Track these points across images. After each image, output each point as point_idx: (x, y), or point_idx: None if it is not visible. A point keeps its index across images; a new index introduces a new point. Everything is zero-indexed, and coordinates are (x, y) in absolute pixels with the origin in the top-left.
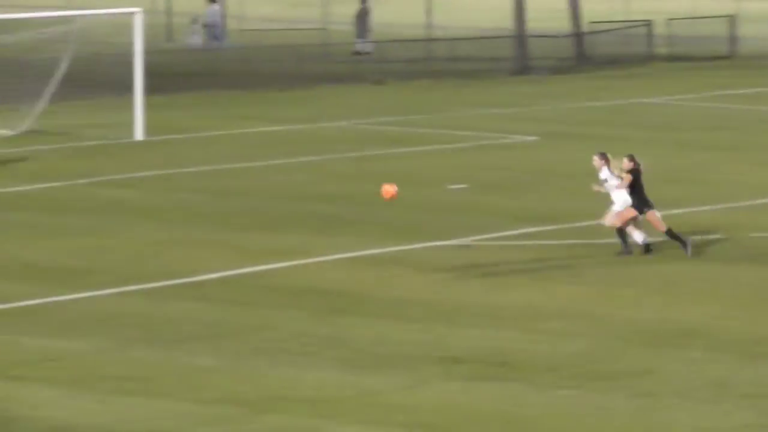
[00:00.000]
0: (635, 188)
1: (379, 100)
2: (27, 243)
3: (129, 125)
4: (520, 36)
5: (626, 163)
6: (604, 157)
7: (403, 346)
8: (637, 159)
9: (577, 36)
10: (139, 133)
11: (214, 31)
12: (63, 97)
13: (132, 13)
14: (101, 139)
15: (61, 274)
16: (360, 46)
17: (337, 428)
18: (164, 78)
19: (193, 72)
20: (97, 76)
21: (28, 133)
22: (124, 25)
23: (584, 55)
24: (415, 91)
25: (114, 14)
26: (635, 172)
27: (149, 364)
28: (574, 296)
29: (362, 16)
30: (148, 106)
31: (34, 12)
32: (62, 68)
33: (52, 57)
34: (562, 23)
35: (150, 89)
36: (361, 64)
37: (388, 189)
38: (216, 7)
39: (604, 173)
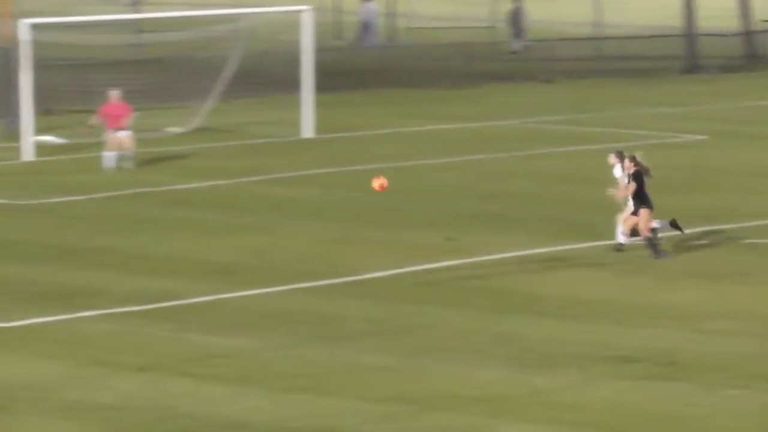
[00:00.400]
0: (637, 189)
1: (547, 98)
2: (196, 240)
3: (297, 123)
4: (690, 35)
5: (628, 165)
6: (620, 156)
7: (572, 346)
8: (640, 159)
9: (748, 35)
10: (307, 131)
11: (367, 29)
12: (232, 95)
13: (301, 11)
14: (269, 137)
15: (229, 272)
16: (515, 45)
17: (505, 427)
18: (332, 76)
19: (361, 70)
20: (265, 74)
21: (198, 130)
22: (292, 22)
23: (755, 54)
24: (583, 90)
25: (283, 12)
26: (638, 175)
27: (318, 362)
28: (743, 296)
29: (516, 16)
30: (317, 104)
31: (204, 10)
32: (231, 66)
33: (222, 55)
34: (731, 22)
35: (318, 87)
36: (529, 63)
37: (379, 183)
38: (371, 6)
39: (617, 171)
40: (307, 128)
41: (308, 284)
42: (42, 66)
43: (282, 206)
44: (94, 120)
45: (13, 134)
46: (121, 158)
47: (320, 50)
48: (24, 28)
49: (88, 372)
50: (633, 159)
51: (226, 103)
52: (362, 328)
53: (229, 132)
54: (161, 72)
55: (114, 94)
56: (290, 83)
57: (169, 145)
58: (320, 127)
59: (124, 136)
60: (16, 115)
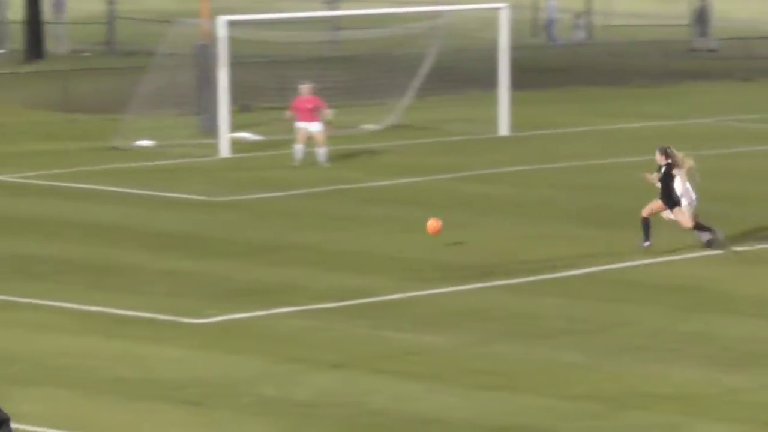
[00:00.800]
0: (667, 183)
1: (745, 96)
2: (391, 237)
3: (493, 121)
4: None
5: (659, 158)
6: (664, 152)
7: (766, 344)
8: (672, 152)
9: None
10: (503, 129)
11: (549, 27)
12: (428, 92)
13: (498, 8)
14: (466, 134)
15: (426, 268)
16: (700, 43)
17: (701, 426)
18: (528, 73)
19: (557, 67)
20: (461, 71)
21: (393, 127)
22: (490, 20)
23: None
24: None
25: (480, 9)
26: (667, 168)
27: (512, 359)
28: None
29: (701, 14)
30: (513, 102)
31: (401, 7)
32: (428, 63)
33: (418, 52)
34: None
35: (514, 84)
36: (727, 61)
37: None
38: (553, 2)
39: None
40: (503, 126)
41: (503, 282)
42: (239, 63)
43: (477, 203)
44: (287, 114)
45: (210, 131)
46: (314, 153)
47: (516, 47)
48: (221, 25)
49: (283, 368)
50: (664, 152)
51: (421, 101)
52: (557, 326)
53: (424, 129)
54: (358, 69)
55: (305, 88)
56: (486, 81)
57: (365, 142)
58: (516, 124)
59: (315, 130)
60: (213, 112)
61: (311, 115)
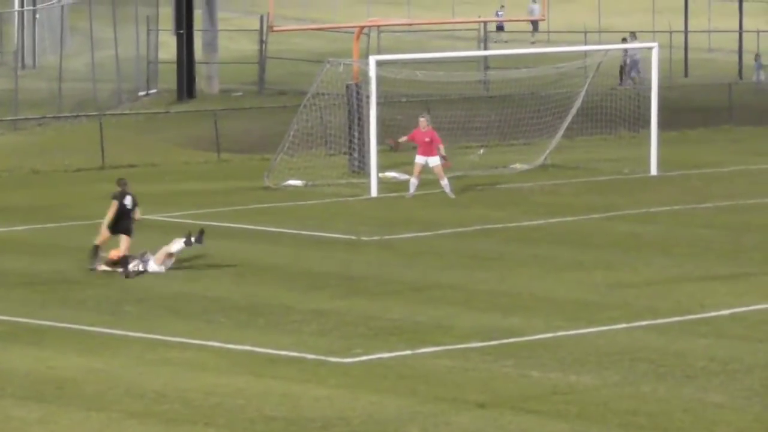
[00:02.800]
0: None
1: None
2: (541, 276)
3: (645, 160)
4: None
5: None
6: None
7: None
8: None
9: None
10: (654, 168)
11: (631, 68)
12: (578, 132)
13: (649, 48)
14: (616, 174)
15: (573, 308)
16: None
17: None
18: (678, 113)
19: (707, 107)
20: (612, 110)
21: (543, 167)
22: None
23: None
24: None
25: (632, 49)
26: None
27: (658, 400)
28: None
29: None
30: (662, 141)
31: (551, 47)
32: (578, 102)
33: (568, 91)
34: None
35: (664, 124)
36: None
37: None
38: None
39: None
40: (654, 165)
41: (651, 321)
42: (389, 102)
43: (629, 243)
44: (402, 139)
45: (360, 170)
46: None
47: (667, 87)
48: (372, 65)
49: (429, 408)
50: None
51: (572, 140)
52: (706, 366)
53: (575, 169)
54: (507, 109)
55: (423, 121)
56: (636, 120)
57: (514, 181)
58: (666, 164)
59: (434, 164)
60: (363, 152)
61: (429, 148)
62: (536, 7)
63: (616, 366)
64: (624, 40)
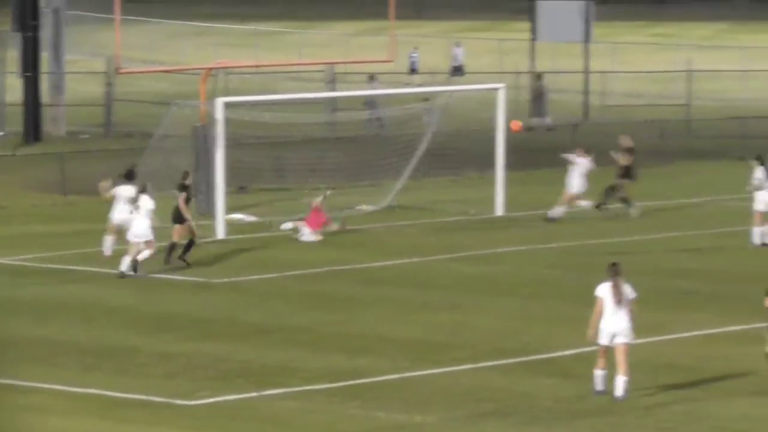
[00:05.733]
0: None
1: (742, 176)
2: (388, 317)
3: (491, 200)
4: None
5: None
6: None
7: (763, 423)
8: None
9: None
10: (499, 209)
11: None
12: (424, 173)
13: (496, 89)
14: (462, 215)
15: (420, 349)
16: (535, 122)
17: None
18: (525, 153)
19: (553, 147)
20: (458, 151)
21: (390, 208)
22: (488, 100)
23: None
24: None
25: (478, 90)
26: None
27: None
28: None
29: (538, 96)
30: (510, 182)
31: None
32: (424, 144)
33: (415, 133)
34: None
35: (510, 165)
36: (723, 140)
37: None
38: (375, 83)
39: None
40: (499, 206)
41: (496, 362)
42: (236, 144)
43: (473, 284)
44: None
45: (206, 212)
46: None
47: (536, 129)
48: (218, 107)
49: None
50: None
51: (417, 182)
52: (550, 407)
53: (422, 210)
54: (354, 150)
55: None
56: (483, 161)
57: (361, 223)
58: (512, 204)
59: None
60: (209, 194)
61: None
62: (459, 51)
63: (462, 406)
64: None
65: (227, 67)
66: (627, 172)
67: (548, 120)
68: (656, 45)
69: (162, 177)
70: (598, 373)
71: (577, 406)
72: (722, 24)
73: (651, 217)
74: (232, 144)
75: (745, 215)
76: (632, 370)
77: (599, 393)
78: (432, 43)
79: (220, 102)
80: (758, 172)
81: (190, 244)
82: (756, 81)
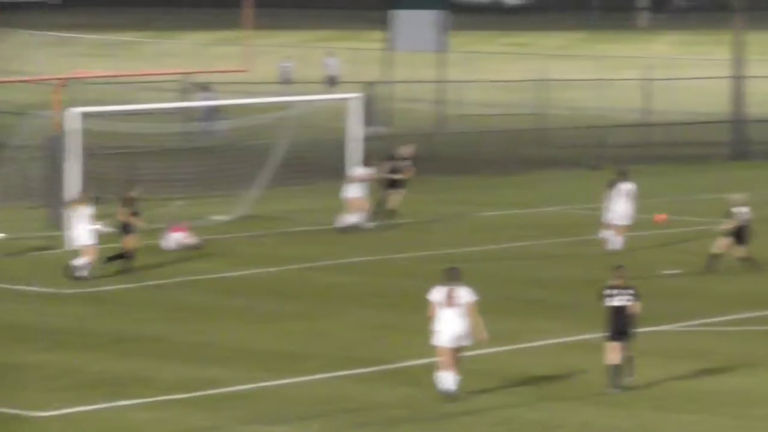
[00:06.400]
0: None
1: (595, 185)
2: (242, 327)
3: (343, 211)
4: (739, 121)
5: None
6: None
7: (610, 431)
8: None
9: None
10: (352, 218)
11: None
12: (278, 183)
13: (349, 99)
14: (315, 225)
15: (274, 359)
16: (369, 131)
17: None
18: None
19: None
20: (312, 161)
21: (244, 218)
22: (342, 110)
23: None
24: (631, 177)
25: (332, 100)
26: None
27: None
28: None
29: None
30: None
31: (252, 98)
32: (278, 154)
33: (269, 143)
34: None
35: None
36: (578, 149)
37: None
38: (208, 94)
39: None
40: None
41: (350, 371)
42: (91, 155)
43: (326, 293)
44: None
45: (59, 223)
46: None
47: (368, 138)
48: (72, 117)
49: None
50: None
51: (272, 191)
52: (400, 415)
53: (275, 219)
54: (209, 160)
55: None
56: (337, 171)
57: (215, 233)
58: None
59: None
60: (62, 205)
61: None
62: (333, 61)
63: (316, 416)
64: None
65: (83, 78)
66: (395, 183)
67: (382, 128)
68: (511, 54)
69: (15, 188)
70: (442, 375)
71: (430, 413)
72: (577, 33)
73: (504, 226)
74: (86, 154)
75: (599, 224)
76: (485, 378)
77: (445, 393)
78: (283, 52)
79: (74, 112)
80: (620, 186)
81: (122, 255)
82: (610, 90)
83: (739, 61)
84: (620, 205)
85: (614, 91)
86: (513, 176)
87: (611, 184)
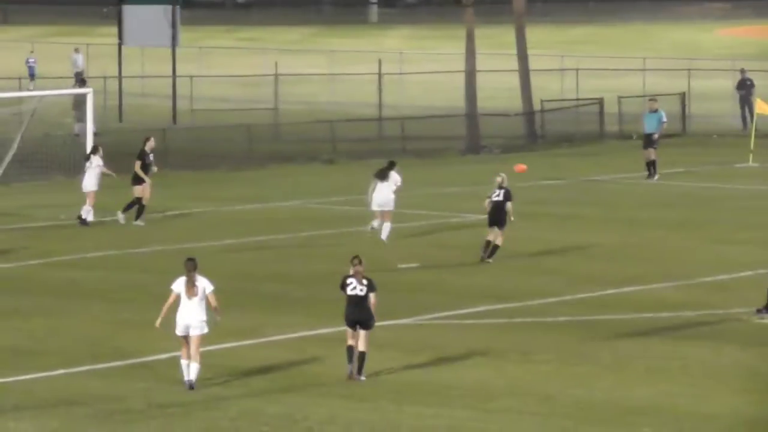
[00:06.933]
0: None
1: (330, 179)
2: None
3: (81, 206)
4: (472, 115)
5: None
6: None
7: (353, 425)
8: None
9: (529, 115)
10: (90, 214)
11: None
12: (14, 178)
13: (84, 94)
14: (53, 220)
15: (10, 355)
16: (77, 128)
17: None
18: (115, 158)
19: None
20: (46, 157)
21: None
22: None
23: (536, 133)
24: (366, 171)
25: (67, 95)
26: None
27: None
28: (526, 375)
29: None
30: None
31: None
32: (13, 149)
33: (4, 138)
34: (514, 102)
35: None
36: (312, 144)
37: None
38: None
39: None
40: (90, 210)
41: (91, 367)
42: None
43: (65, 289)
44: None
45: None
46: None
47: (104, 133)
48: None
49: None
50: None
51: (8, 187)
52: (141, 409)
53: (11, 215)
54: None
55: None
56: (73, 165)
57: None
58: (107, 209)
59: None
60: None
61: None
62: (79, 57)
63: (55, 412)
64: None
65: None
66: (142, 178)
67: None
68: (243, 49)
69: None
70: (184, 363)
71: (172, 407)
72: (310, 28)
73: (241, 221)
74: None
75: (334, 217)
76: (227, 372)
77: (187, 384)
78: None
79: None
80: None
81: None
82: (342, 84)
83: (470, 55)
84: (385, 193)
85: (347, 86)
86: (248, 171)
87: (380, 175)
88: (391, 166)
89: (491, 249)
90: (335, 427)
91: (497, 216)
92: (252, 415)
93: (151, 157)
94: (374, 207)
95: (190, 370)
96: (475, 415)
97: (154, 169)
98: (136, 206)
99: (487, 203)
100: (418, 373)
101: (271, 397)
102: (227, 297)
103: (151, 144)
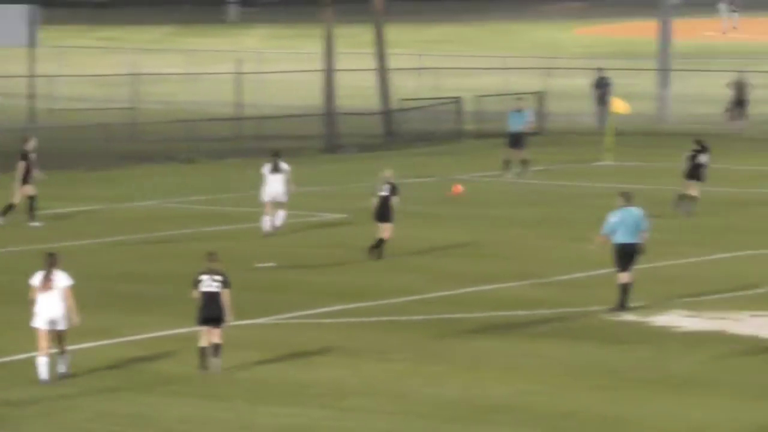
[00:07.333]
0: None
1: (188, 179)
2: None
3: None
4: (330, 114)
5: None
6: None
7: (209, 425)
8: None
9: (387, 113)
10: None
11: None
12: None
13: None
14: None
15: None
16: None
17: None
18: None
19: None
20: None
21: None
22: None
23: (393, 132)
24: (224, 170)
25: None
26: None
27: None
28: (381, 373)
29: None
30: None
31: None
32: None
33: None
34: (373, 101)
35: None
36: (171, 143)
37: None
38: None
39: None
40: None
41: None
42: None
43: None
44: None
45: None
46: None
47: None
48: None
49: None
50: None
51: None
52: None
53: None
54: None
55: None
56: None
57: None
58: None
59: None
60: None
61: None
62: None
63: None
64: None
65: None
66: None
67: None
68: (101, 49)
69: None
70: (42, 360)
71: (28, 408)
72: (168, 27)
73: (99, 221)
74: None
75: (192, 217)
76: (79, 374)
77: (44, 382)
78: None
79: None
80: (278, 166)
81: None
82: (201, 83)
83: (329, 54)
84: (276, 185)
85: (206, 85)
86: (106, 171)
87: (271, 167)
88: (278, 155)
89: (377, 244)
90: (189, 426)
91: (384, 211)
92: (106, 417)
93: (33, 156)
94: (266, 199)
95: (61, 361)
96: (330, 414)
97: (37, 171)
98: (11, 208)
99: (373, 200)
100: (273, 372)
101: (127, 397)
102: (84, 297)
103: (32, 143)
